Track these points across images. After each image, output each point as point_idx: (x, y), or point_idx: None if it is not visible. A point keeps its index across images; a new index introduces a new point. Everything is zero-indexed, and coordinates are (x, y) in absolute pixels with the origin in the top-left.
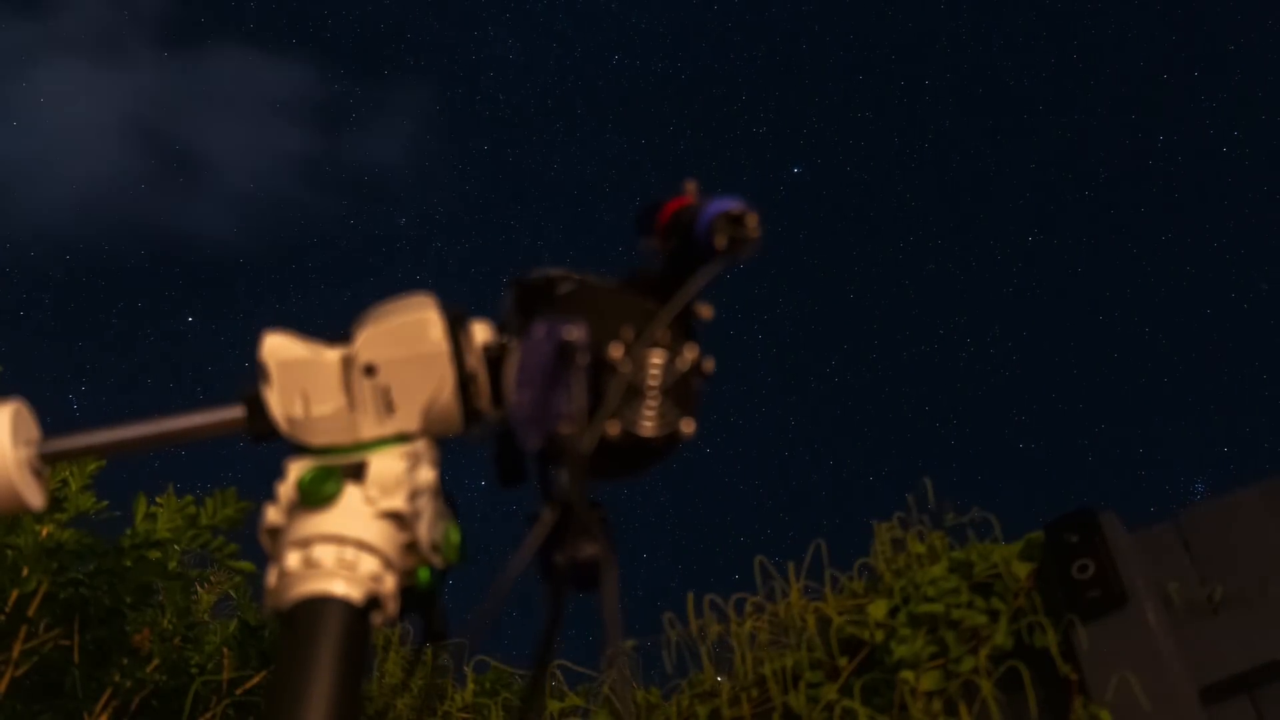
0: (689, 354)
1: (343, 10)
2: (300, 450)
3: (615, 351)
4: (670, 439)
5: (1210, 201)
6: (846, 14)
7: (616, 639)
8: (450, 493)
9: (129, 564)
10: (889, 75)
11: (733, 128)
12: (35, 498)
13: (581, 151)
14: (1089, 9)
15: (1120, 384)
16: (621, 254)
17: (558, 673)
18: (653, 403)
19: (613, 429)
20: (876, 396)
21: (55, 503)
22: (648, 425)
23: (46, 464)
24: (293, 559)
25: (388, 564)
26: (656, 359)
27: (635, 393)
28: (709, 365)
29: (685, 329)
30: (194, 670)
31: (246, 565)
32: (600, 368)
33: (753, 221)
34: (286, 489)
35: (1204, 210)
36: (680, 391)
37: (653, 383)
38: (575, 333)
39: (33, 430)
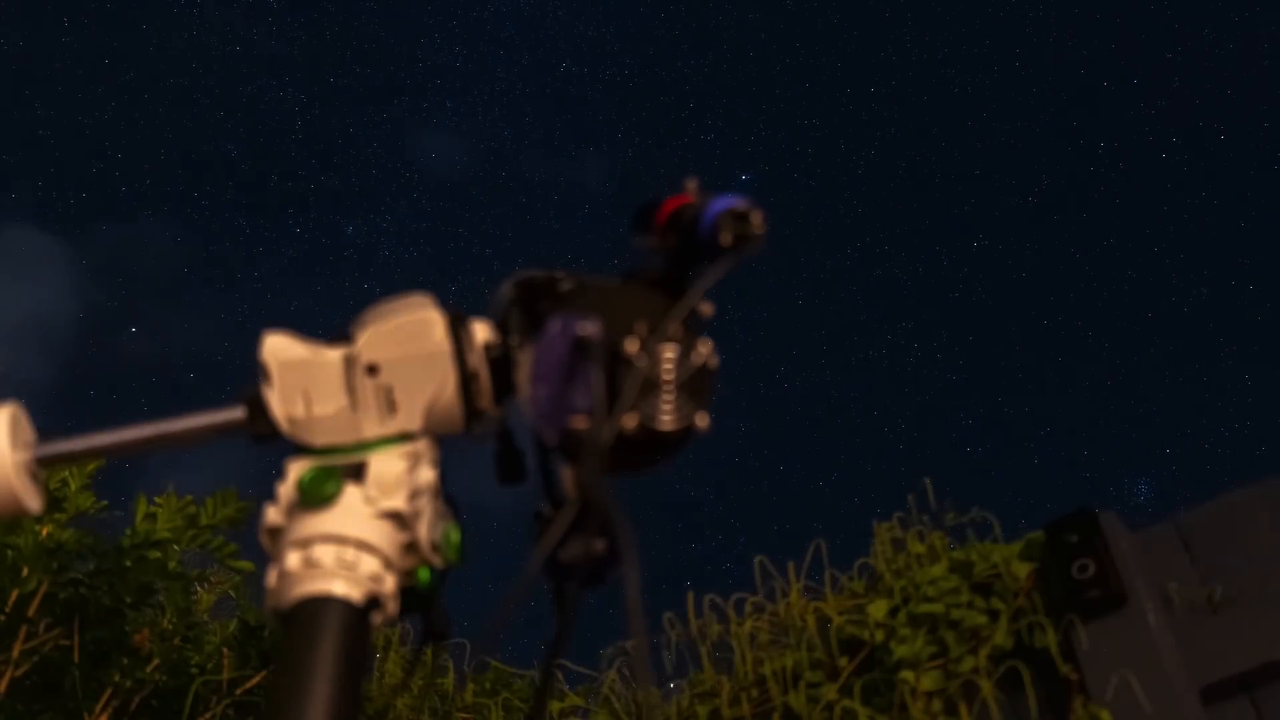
0: (702, 349)
1: (288, 17)
2: (300, 450)
3: (631, 346)
4: (686, 433)
5: (1150, 207)
6: (793, 22)
7: (639, 630)
8: (450, 493)
9: (129, 564)
10: (835, 83)
11: (681, 135)
12: (33, 501)
13: (530, 158)
14: (1030, 18)
15: (1064, 387)
16: (573, 258)
17: (558, 673)
18: (669, 397)
19: (630, 423)
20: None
21: (55, 503)
22: (666, 419)
23: (44, 467)
24: (293, 559)
25: (388, 564)
26: (670, 353)
27: (651, 387)
28: (715, 361)
29: (690, 325)
30: (194, 670)
31: (246, 565)
32: (615, 362)
33: (758, 218)
34: (286, 489)
35: (1144, 216)
36: (694, 386)
37: (668, 377)
38: (590, 328)
39: (29, 433)
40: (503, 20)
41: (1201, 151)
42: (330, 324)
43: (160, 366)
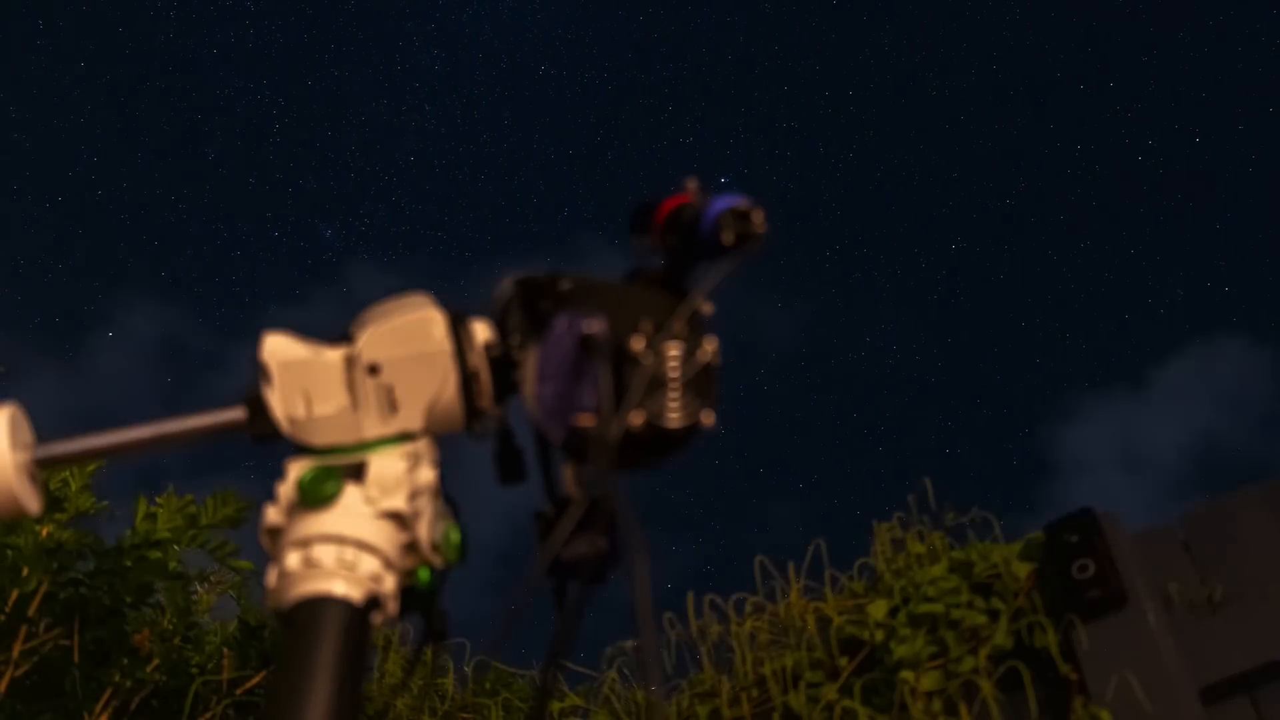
0: (709, 346)
1: (266, 20)
2: (301, 450)
3: (637, 344)
4: (692, 430)
5: (1127, 209)
6: (772, 25)
7: (648, 628)
8: (450, 492)
9: (129, 564)
10: (813, 85)
11: (660, 138)
12: (32, 503)
13: (509, 162)
14: (1006, 20)
15: (1043, 389)
16: (552, 262)
17: (558, 673)
18: (675, 394)
19: (637, 420)
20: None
21: (55, 502)
22: (674, 417)
23: (44, 469)
24: (293, 559)
25: (388, 564)
26: (675, 351)
27: (657, 385)
28: (719, 359)
29: (693, 324)
30: (194, 670)
31: (246, 565)
32: (622, 361)
33: (759, 217)
34: (286, 489)
35: (1121, 218)
36: (700, 383)
37: (674, 375)
38: (597, 326)
39: (28, 434)
40: (481, 23)
41: (1177, 154)
42: (311, 331)
43: (138, 370)
